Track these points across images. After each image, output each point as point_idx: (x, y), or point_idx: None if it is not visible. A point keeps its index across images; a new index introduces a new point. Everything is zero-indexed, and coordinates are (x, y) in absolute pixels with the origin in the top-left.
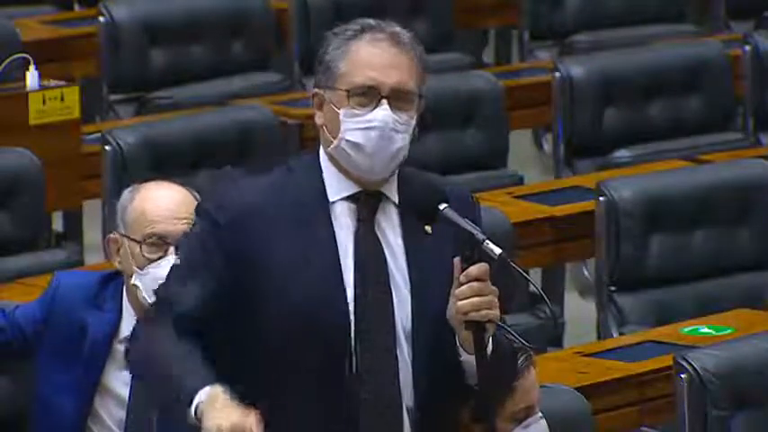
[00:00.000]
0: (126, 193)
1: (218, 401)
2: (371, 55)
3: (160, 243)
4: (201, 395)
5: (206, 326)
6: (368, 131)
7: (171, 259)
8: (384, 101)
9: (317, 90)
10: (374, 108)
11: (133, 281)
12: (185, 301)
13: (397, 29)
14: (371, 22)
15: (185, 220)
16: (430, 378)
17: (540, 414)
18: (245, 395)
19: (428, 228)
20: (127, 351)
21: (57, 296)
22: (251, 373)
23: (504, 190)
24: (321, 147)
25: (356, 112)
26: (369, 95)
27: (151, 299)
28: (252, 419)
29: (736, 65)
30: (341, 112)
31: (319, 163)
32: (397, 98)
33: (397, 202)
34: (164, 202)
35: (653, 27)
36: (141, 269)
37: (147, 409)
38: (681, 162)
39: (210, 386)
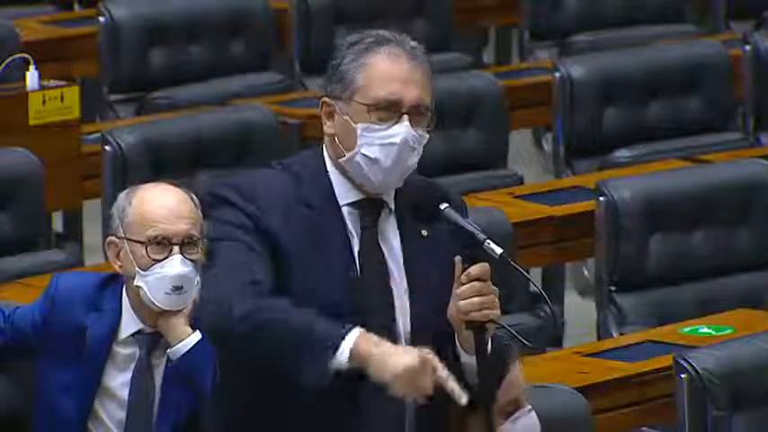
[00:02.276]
0: (122, 196)
1: (378, 341)
2: (391, 70)
3: (165, 243)
4: (350, 339)
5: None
6: (388, 147)
7: (176, 259)
8: (405, 116)
9: (327, 99)
10: (394, 123)
11: (136, 282)
12: (258, 272)
13: (413, 43)
14: (386, 34)
15: (186, 219)
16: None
17: (529, 407)
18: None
19: (424, 232)
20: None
21: (56, 297)
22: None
23: (504, 190)
24: (327, 153)
25: (375, 126)
26: (389, 110)
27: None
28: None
29: (736, 65)
30: (358, 126)
31: (325, 167)
32: (416, 113)
33: (393, 207)
34: (163, 202)
35: (653, 27)
36: (144, 270)
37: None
38: (681, 162)
39: (353, 329)
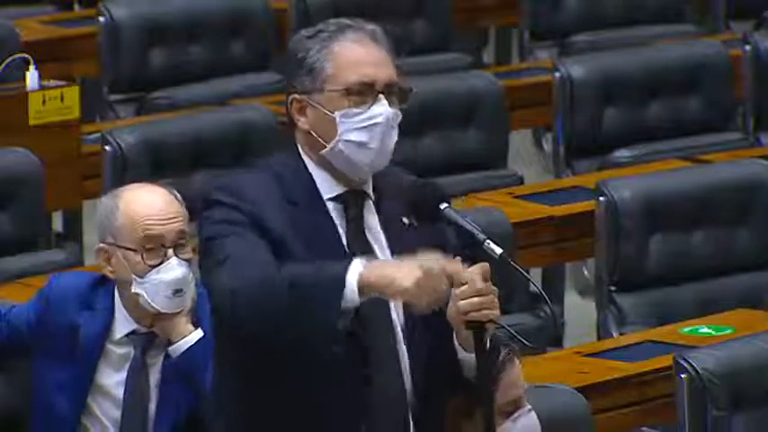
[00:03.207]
0: (106, 202)
1: (379, 265)
2: (358, 53)
3: (159, 247)
4: (353, 271)
5: None
6: (371, 129)
7: (173, 263)
8: (381, 96)
9: (296, 96)
10: (372, 105)
11: (134, 289)
12: (269, 256)
13: (372, 26)
14: (346, 21)
15: (175, 219)
16: (426, 375)
17: (528, 407)
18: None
19: (405, 220)
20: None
21: (50, 296)
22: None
23: (504, 190)
24: (302, 150)
25: (354, 111)
26: (365, 93)
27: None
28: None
29: (736, 65)
30: (337, 114)
31: (304, 165)
32: (389, 92)
33: (373, 198)
34: (151, 204)
35: (653, 27)
36: (141, 277)
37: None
38: (681, 162)
39: (353, 262)
